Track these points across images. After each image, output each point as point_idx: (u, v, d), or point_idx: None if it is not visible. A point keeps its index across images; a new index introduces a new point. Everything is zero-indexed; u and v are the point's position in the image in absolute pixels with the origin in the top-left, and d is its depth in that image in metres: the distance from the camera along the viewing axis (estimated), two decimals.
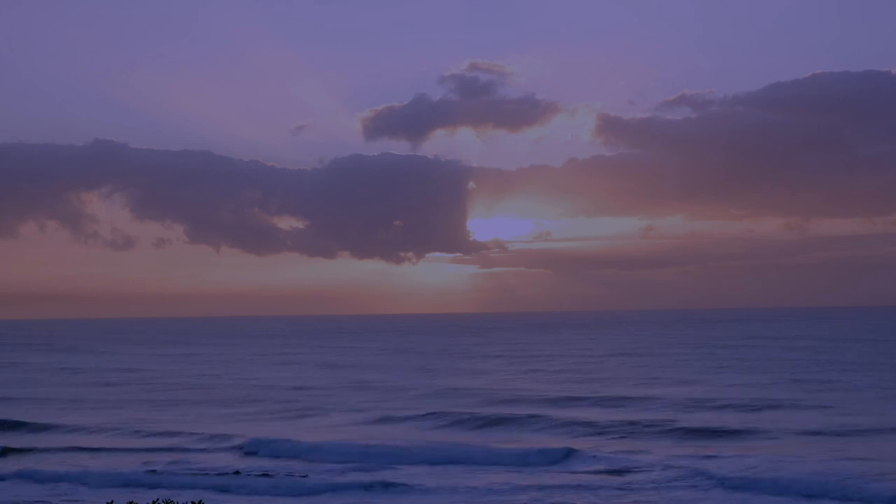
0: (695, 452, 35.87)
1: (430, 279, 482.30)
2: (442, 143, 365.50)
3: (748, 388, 59.07)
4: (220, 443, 41.11)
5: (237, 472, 34.00)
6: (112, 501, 24.51)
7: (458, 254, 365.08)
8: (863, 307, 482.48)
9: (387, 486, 31.33)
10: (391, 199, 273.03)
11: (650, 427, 42.50)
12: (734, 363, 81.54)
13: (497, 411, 49.19)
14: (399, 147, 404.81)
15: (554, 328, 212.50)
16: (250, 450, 38.77)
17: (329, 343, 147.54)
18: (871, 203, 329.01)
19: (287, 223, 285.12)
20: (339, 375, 77.57)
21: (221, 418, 50.20)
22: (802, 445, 36.89)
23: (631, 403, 51.95)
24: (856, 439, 38.37)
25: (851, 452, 34.57)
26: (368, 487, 31.15)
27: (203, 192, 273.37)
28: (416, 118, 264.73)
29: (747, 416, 46.46)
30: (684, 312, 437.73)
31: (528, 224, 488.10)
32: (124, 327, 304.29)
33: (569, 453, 35.69)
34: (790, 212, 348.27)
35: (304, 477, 33.32)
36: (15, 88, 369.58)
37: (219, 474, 33.76)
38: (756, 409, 48.77)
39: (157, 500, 16.96)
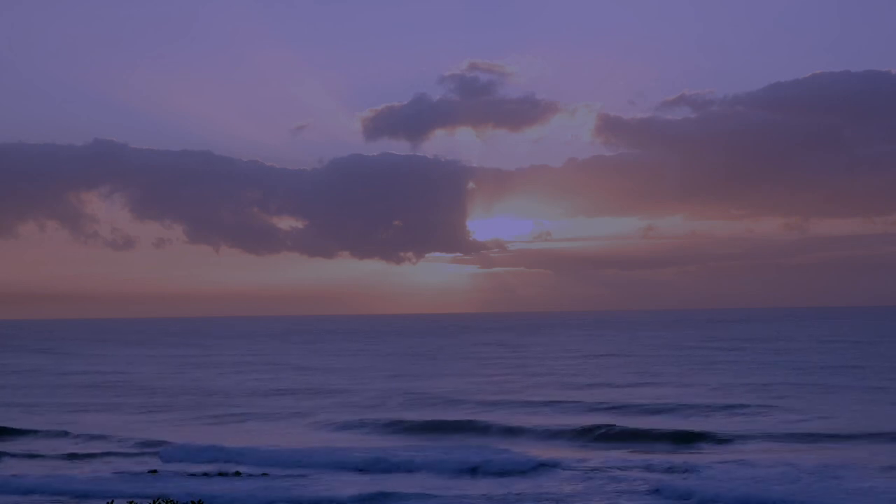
0: (649, 459, 34.79)
1: (429, 279, 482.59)
2: (442, 143, 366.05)
3: (718, 391, 57.75)
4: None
5: (238, 473, 34.02)
6: (112, 501, 24.58)
7: (458, 254, 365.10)
8: (863, 307, 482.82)
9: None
10: (391, 199, 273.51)
11: (611, 433, 41.48)
12: (716, 365, 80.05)
13: (460, 417, 47.92)
14: (399, 147, 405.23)
15: (550, 329, 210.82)
16: (165, 457, 37.51)
17: (314, 345, 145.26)
18: (871, 203, 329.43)
19: (287, 223, 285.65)
20: (305, 379, 75.13)
21: (148, 423, 49.19)
22: (757, 452, 35.92)
23: (599, 408, 50.49)
24: (815, 445, 37.31)
25: (805, 459, 33.25)
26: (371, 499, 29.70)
27: (203, 192, 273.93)
28: (415, 118, 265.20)
29: (711, 420, 45.27)
30: (684, 312, 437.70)
31: (527, 224, 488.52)
32: (119, 328, 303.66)
33: (529, 463, 34.17)
34: (790, 212, 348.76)
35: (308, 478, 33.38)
36: (15, 88, 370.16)
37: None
38: (723, 413, 47.61)
39: (158, 499, 17.04)
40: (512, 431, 43.26)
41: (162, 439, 41.51)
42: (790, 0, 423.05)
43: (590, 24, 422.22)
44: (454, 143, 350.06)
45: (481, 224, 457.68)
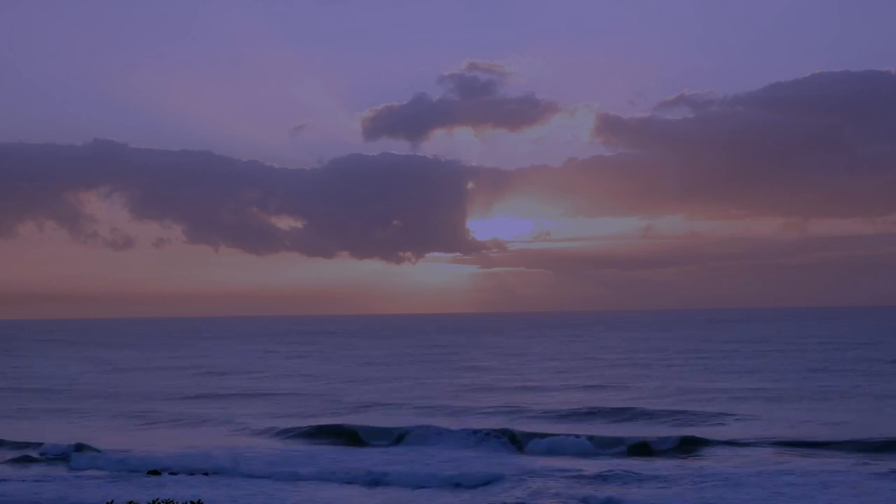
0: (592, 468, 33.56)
1: (429, 279, 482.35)
2: (441, 143, 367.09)
3: (690, 395, 56.08)
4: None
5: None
6: (112, 501, 24.54)
7: (458, 254, 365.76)
8: (863, 307, 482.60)
9: None
10: (390, 199, 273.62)
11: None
12: (700, 369, 78.26)
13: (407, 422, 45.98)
14: (399, 147, 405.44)
15: (538, 329, 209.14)
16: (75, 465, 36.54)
17: (280, 346, 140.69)
18: (871, 203, 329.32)
19: (286, 223, 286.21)
20: (244, 383, 72.99)
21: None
22: (708, 462, 34.60)
23: (550, 416, 48.25)
24: (768, 451, 35.71)
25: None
26: None
27: (202, 192, 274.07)
28: (415, 118, 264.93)
29: (672, 426, 43.62)
30: (684, 312, 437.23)
31: (527, 224, 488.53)
32: (105, 328, 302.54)
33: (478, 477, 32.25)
34: (790, 212, 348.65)
35: None
36: (15, 88, 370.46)
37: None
38: (689, 418, 45.82)
39: (157, 499, 17.02)
40: (427, 438, 41.04)
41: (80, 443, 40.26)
42: (790, 0, 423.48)
43: (590, 24, 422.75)
44: (454, 142, 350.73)
45: (481, 224, 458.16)
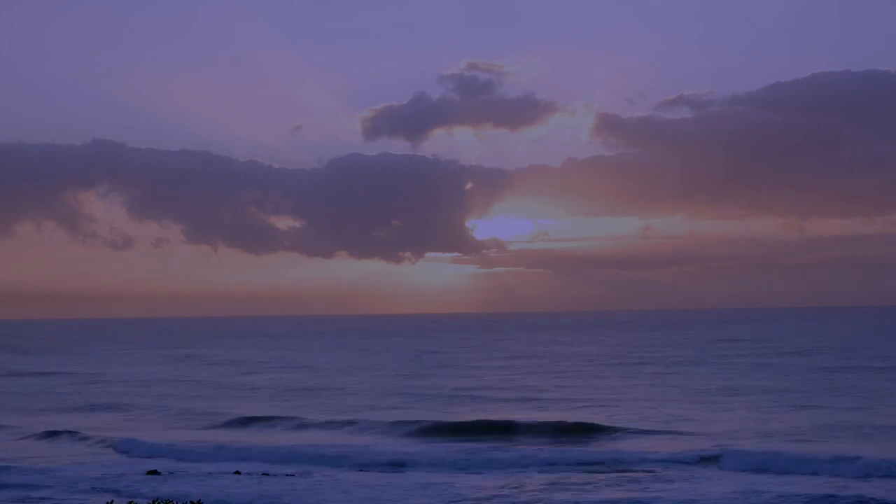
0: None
1: (429, 279, 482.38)
2: (441, 143, 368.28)
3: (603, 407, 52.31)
4: None
5: (238, 473, 33.89)
6: (112, 501, 24.41)
7: (457, 254, 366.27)
8: (863, 307, 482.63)
9: None
10: (390, 199, 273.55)
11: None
12: (661, 374, 75.17)
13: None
14: (398, 147, 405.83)
15: (532, 330, 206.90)
16: None
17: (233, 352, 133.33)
18: (871, 203, 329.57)
19: (285, 223, 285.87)
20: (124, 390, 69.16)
21: None
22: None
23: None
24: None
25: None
26: None
27: (201, 191, 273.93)
28: (415, 118, 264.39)
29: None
30: (684, 312, 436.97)
31: (527, 224, 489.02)
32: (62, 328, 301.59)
33: None
34: (790, 212, 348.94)
35: None
36: (15, 88, 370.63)
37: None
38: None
39: (158, 499, 16.87)
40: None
41: None
42: (790, 0, 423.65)
43: (590, 24, 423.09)
44: (453, 142, 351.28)
45: (481, 224, 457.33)
